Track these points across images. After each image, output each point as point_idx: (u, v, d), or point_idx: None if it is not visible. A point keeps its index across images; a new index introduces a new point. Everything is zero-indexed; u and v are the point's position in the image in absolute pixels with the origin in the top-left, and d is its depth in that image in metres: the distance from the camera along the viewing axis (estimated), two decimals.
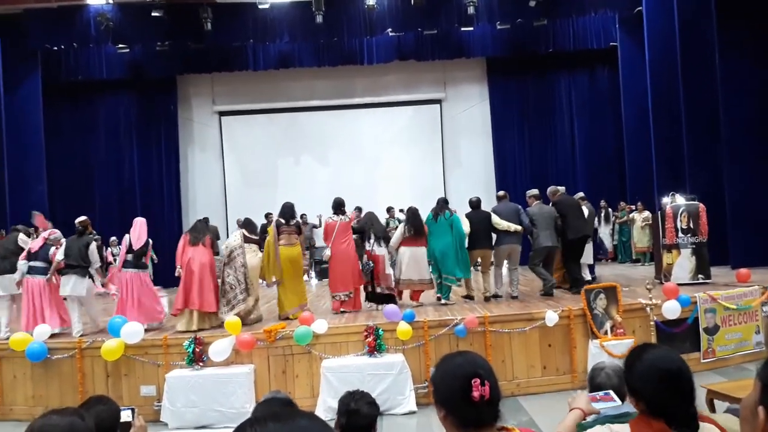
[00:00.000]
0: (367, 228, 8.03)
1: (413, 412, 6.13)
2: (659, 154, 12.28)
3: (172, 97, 15.34)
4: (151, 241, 7.44)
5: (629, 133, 14.06)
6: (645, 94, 12.81)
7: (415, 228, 7.86)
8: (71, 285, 7.03)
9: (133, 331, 6.36)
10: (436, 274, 7.94)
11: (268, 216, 12.46)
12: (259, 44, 14.38)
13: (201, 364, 6.28)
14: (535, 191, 8.71)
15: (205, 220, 8.43)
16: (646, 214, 12.36)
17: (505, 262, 8.52)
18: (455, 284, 8.15)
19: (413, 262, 7.79)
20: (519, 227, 8.03)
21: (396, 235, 8.04)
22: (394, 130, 15.61)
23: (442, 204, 8.19)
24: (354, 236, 7.96)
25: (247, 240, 7.62)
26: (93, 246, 7.27)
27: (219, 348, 6.25)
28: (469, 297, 8.13)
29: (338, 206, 7.93)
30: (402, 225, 8.15)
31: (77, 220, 7.55)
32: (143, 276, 7.30)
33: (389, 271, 7.83)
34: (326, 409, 6.02)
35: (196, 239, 7.29)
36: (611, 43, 14.51)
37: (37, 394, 6.56)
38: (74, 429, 1.89)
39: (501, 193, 8.90)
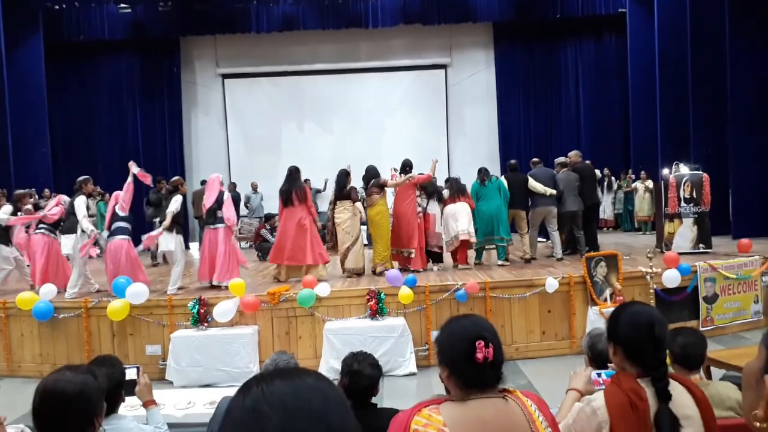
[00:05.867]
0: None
1: (413, 374, 6.26)
2: (665, 123, 12.19)
3: (175, 58, 15.19)
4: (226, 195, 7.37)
5: (635, 101, 13.91)
6: (652, 62, 12.64)
7: (458, 188, 8.26)
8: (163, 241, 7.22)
9: (137, 292, 6.44)
10: (482, 238, 8.26)
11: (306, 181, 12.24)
12: (263, 6, 14.21)
13: (206, 324, 6.37)
14: (562, 159, 9.24)
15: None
16: (650, 183, 12.31)
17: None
18: (505, 244, 8.39)
19: (454, 215, 8.07)
20: (554, 191, 8.55)
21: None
22: (398, 95, 15.47)
23: (486, 171, 8.55)
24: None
25: (341, 197, 7.84)
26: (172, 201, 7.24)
27: (223, 309, 6.33)
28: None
29: (403, 166, 8.19)
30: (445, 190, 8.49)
31: (171, 180, 7.76)
32: (222, 232, 7.25)
33: (438, 230, 8.14)
34: (328, 369, 6.12)
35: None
36: (620, 9, 14.27)
37: (44, 352, 6.69)
38: (87, 386, 1.94)
39: (535, 159, 9.73)
